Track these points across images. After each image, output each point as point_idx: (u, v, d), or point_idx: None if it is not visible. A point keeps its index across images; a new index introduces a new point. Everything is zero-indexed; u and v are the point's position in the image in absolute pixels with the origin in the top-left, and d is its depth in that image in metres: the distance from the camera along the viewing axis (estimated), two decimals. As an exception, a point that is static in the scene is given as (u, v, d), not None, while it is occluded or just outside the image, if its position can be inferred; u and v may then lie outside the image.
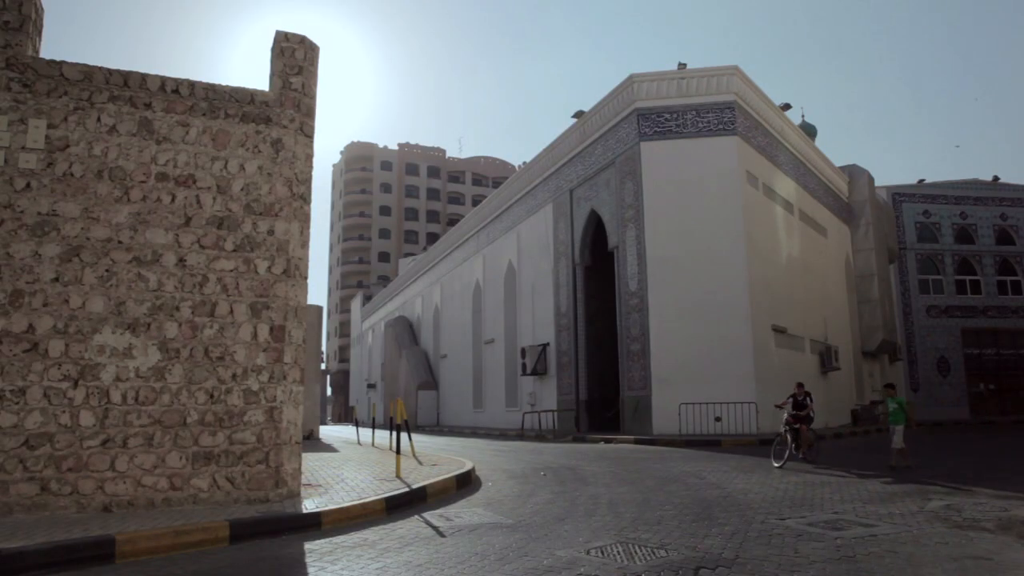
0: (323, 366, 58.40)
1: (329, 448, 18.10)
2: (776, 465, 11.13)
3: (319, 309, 26.08)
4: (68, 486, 7.14)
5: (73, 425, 7.24)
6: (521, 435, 25.36)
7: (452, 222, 74.38)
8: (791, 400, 12.29)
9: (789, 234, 25.14)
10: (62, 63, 7.75)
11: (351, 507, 7.35)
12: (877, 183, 35.29)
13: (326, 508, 7.18)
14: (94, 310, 7.49)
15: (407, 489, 8.50)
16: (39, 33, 8.10)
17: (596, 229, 25.30)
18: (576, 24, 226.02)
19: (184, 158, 8.11)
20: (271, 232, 8.39)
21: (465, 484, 9.91)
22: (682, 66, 22.78)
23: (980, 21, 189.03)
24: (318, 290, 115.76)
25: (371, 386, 57.57)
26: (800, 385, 12.72)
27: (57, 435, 7.17)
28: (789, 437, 11.94)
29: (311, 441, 22.02)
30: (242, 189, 8.34)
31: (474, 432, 29.71)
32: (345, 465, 12.22)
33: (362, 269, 79.68)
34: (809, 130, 35.32)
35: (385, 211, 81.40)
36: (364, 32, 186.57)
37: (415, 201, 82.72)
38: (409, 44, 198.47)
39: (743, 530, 6.28)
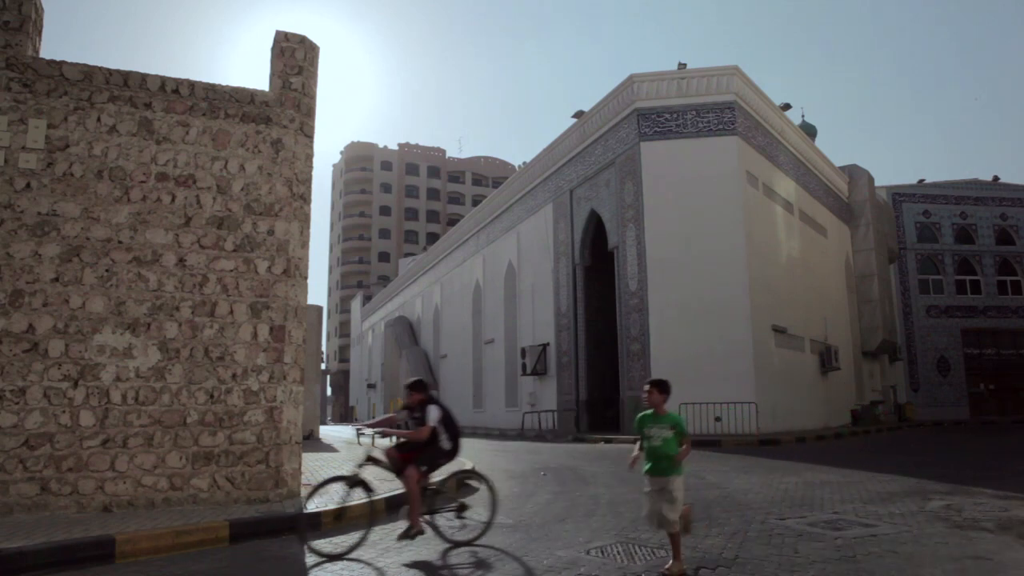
0: (323, 366, 58.40)
1: (329, 448, 18.10)
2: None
3: (319, 309, 26.06)
4: (68, 486, 7.14)
5: (73, 425, 7.24)
6: (521, 435, 25.35)
7: (452, 222, 74.37)
8: (405, 413, 6.52)
9: (789, 234, 25.14)
10: (62, 63, 7.75)
11: (351, 507, 7.34)
12: (877, 183, 35.28)
13: (326, 508, 7.18)
14: (94, 310, 7.49)
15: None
16: (39, 33, 8.10)
17: (596, 229, 25.29)
18: (576, 24, 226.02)
19: (184, 158, 8.11)
20: (271, 232, 8.39)
21: (465, 484, 9.87)
22: (682, 66, 22.78)
23: (980, 21, 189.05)
24: (318, 290, 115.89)
25: (371, 386, 57.55)
26: (415, 386, 6.44)
27: (57, 435, 7.17)
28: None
29: (311, 441, 22.01)
30: (242, 189, 8.33)
31: (474, 432, 29.68)
32: (345, 465, 12.21)
33: (362, 269, 79.68)
34: (809, 130, 35.33)
35: (385, 211, 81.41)
36: (364, 32, 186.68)
37: (415, 201, 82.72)
38: (409, 44, 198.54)
39: (743, 530, 6.28)
